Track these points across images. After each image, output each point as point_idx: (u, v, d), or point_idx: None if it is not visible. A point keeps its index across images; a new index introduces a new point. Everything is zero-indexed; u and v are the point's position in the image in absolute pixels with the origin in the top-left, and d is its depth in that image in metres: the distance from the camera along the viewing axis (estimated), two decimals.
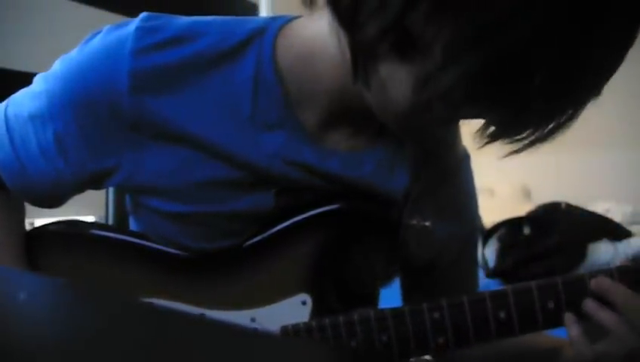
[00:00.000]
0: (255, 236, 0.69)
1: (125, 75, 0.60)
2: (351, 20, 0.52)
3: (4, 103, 0.69)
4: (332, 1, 0.53)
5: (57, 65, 0.65)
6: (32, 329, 0.35)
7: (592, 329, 0.64)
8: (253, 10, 2.60)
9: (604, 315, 0.63)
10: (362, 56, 0.55)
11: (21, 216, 0.75)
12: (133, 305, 0.48)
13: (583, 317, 0.65)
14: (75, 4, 1.70)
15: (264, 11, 2.66)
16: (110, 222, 1.07)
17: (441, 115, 0.58)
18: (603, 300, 0.64)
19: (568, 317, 0.64)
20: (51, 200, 0.70)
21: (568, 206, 2.27)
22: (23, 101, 0.67)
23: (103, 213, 1.09)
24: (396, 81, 0.55)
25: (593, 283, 0.64)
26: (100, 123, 0.62)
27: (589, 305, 0.64)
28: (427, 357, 0.77)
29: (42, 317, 0.38)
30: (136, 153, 0.64)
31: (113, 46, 0.61)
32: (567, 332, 0.64)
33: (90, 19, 1.78)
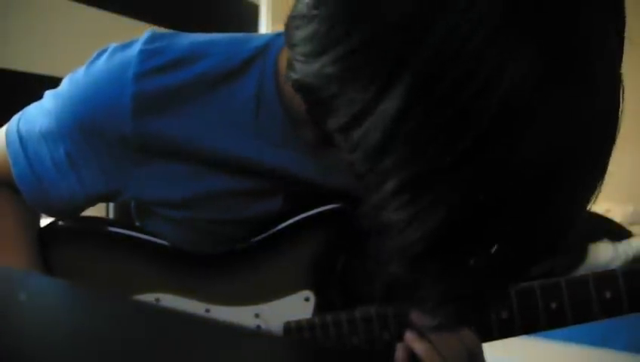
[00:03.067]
0: (260, 234, 0.70)
1: (128, 99, 0.60)
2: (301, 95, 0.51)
3: (15, 118, 0.70)
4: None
5: (65, 86, 0.66)
6: (33, 330, 0.35)
7: None
8: (254, 10, 2.60)
9: (417, 346, 0.65)
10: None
11: (37, 215, 0.77)
12: (134, 306, 0.48)
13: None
14: (74, 4, 1.70)
15: (264, 11, 2.66)
16: None
17: None
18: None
19: (400, 346, 0.66)
20: (66, 211, 0.72)
21: None
22: (35, 118, 0.68)
23: (103, 213, 1.09)
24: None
25: (413, 316, 0.66)
26: (107, 145, 0.63)
27: (407, 336, 0.66)
28: None
29: (43, 317, 0.38)
30: (144, 172, 0.64)
31: (117, 70, 0.62)
32: (395, 355, 0.66)
33: (91, 20, 1.78)
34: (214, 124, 0.63)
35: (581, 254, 2.15)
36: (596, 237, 2.20)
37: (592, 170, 0.45)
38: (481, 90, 0.40)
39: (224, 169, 0.64)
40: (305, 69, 0.47)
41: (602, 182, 0.46)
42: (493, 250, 0.46)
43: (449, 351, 0.64)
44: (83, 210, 0.72)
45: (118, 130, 0.62)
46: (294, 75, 0.49)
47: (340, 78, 0.44)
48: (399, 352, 0.66)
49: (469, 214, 0.44)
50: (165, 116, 0.61)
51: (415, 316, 0.66)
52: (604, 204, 2.50)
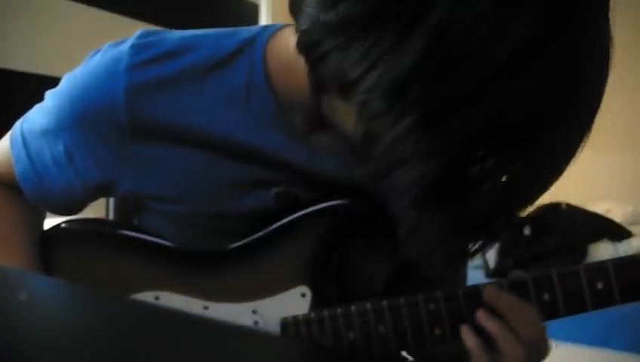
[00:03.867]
0: (258, 231, 0.71)
1: (121, 91, 0.63)
2: (308, 52, 0.55)
3: (20, 120, 0.72)
4: (299, 37, 0.55)
5: (63, 84, 0.68)
6: (33, 330, 0.35)
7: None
8: (254, 10, 2.60)
9: (490, 325, 0.63)
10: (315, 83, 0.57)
11: (40, 216, 0.79)
12: (133, 305, 0.48)
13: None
14: (74, 4, 1.70)
15: (264, 11, 2.66)
16: None
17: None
18: (495, 310, 0.64)
19: (465, 328, 0.65)
20: (68, 208, 0.74)
21: (569, 206, 2.27)
22: (36, 118, 0.70)
23: (103, 213, 1.09)
24: (342, 113, 0.57)
25: (485, 293, 0.65)
26: (104, 137, 0.65)
27: (480, 314, 0.64)
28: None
29: (43, 317, 0.38)
30: (143, 162, 0.66)
31: (110, 64, 0.64)
32: (465, 343, 0.64)
33: (91, 20, 1.78)
34: (210, 108, 0.64)
35: (581, 254, 2.15)
36: (596, 237, 2.20)
37: (585, 114, 0.52)
38: (492, 35, 0.46)
39: (221, 152, 0.66)
40: (320, 16, 0.50)
41: (590, 131, 0.53)
42: (496, 182, 0.53)
43: (523, 328, 0.62)
44: (85, 204, 0.74)
45: (114, 121, 0.64)
46: (304, 25, 0.52)
47: (365, 19, 0.48)
48: (468, 336, 0.64)
49: (477, 147, 0.50)
50: (159, 103, 0.63)
51: (487, 293, 0.65)
52: (604, 204, 2.50)
